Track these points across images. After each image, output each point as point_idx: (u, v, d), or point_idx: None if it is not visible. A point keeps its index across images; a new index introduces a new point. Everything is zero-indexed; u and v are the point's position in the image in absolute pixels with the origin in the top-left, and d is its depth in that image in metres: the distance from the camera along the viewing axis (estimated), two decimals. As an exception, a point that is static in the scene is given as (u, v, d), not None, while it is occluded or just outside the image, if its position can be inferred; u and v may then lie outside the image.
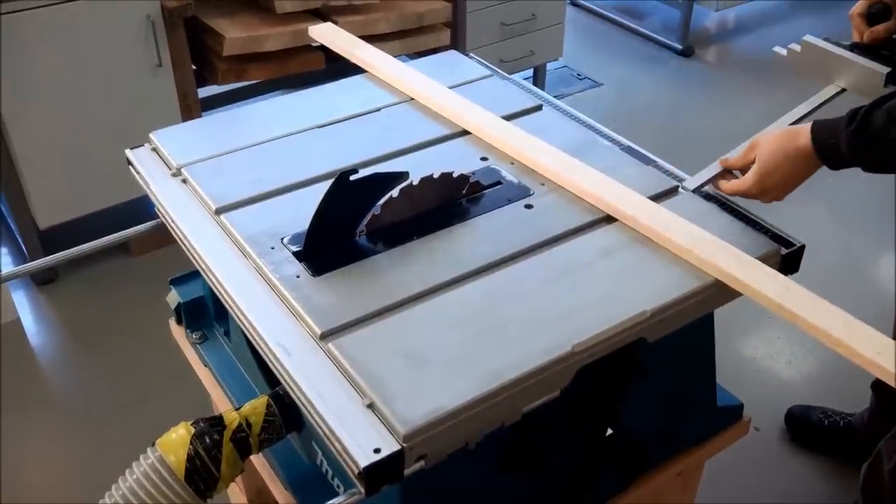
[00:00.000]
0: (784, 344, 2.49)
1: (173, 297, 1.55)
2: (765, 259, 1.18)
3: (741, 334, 2.53)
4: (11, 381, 2.36)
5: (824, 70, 1.46)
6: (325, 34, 1.84)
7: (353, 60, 1.73)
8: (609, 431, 1.26)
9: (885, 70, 1.39)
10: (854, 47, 1.46)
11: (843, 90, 1.44)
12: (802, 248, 1.24)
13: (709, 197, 1.34)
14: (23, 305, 2.65)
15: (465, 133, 1.49)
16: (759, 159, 1.28)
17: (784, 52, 1.51)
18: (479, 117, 1.49)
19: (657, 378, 1.22)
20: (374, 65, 1.68)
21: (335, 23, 2.68)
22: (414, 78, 1.61)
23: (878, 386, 1.98)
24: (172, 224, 1.30)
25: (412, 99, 1.59)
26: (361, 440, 0.92)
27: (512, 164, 1.41)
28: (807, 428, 2.19)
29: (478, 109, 1.50)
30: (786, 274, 1.21)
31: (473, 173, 1.35)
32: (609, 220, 1.27)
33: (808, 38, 1.48)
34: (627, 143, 1.49)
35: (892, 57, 1.43)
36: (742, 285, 1.13)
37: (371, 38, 2.56)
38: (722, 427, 1.45)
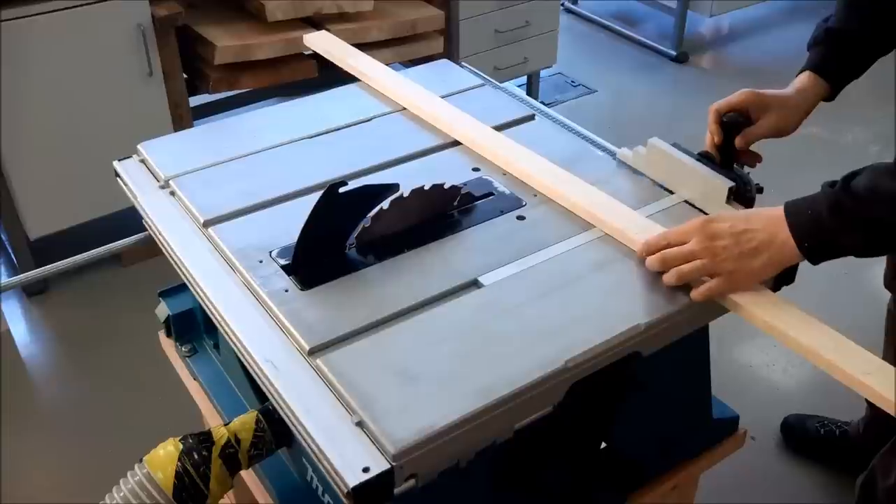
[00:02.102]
0: (780, 352, 2.48)
1: (162, 310, 1.53)
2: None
3: (737, 343, 2.52)
4: (2, 391, 2.34)
5: (669, 176, 1.35)
6: (319, 42, 1.83)
7: (347, 69, 1.72)
8: (603, 446, 1.25)
9: (729, 184, 1.27)
10: (701, 157, 1.35)
11: (686, 201, 1.33)
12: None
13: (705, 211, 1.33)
14: (13, 316, 2.63)
15: (457, 143, 1.48)
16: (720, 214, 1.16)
17: (630, 153, 1.41)
18: (471, 128, 1.47)
19: (652, 392, 1.21)
20: (368, 74, 1.66)
21: (327, 31, 2.67)
22: (407, 87, 1.60)
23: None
24: (160, 237, 1.29)
25: (405, 108, 1.58)
26: (350, 459, 0.91)
27: (504, 174, 1.39)
28: (803, 437, 2.18)
29: (469, 120, 1.49)
30: (782, 285, 1.20)
31: (465, 184, 1.33)
32: (601, 232, 1.26)
33: (654, 140, 1.36)
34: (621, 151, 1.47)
35: (738, 173, 1.33)
36: (731, 303, 1.12)
37: (364, 46, 2.55)
38: (718, 440, 1.43)
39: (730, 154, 1.35)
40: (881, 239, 1.06)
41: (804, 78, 1.39)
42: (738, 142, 1.35)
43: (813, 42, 1.41)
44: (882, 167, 1.06)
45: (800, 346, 1.05)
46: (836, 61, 1.38)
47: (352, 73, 1.71)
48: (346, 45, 1.79)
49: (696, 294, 1.12)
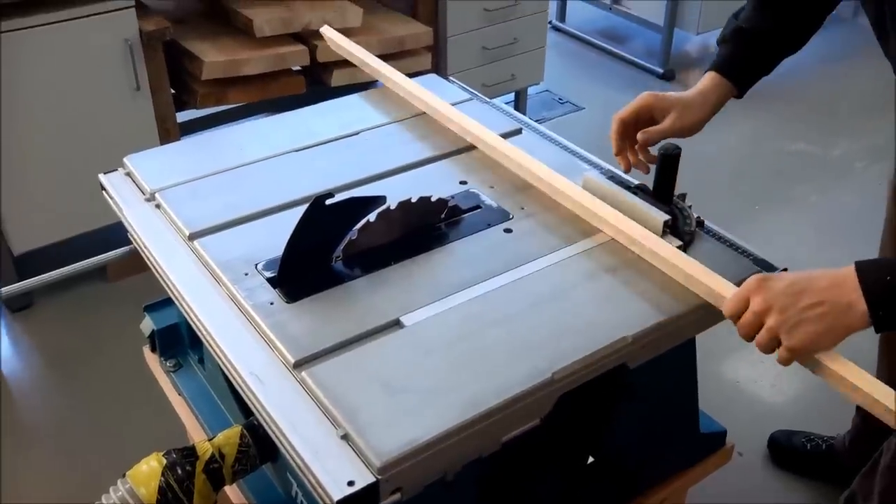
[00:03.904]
0: (767, 368, 2.48)
1: (147, 325, 1.52)
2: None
3: (724, 358, 2.51)
4: (-15, 409, 2.32)
5: (616, 205, 1.30)
6: (341, 44, 1.84)
7: (364, 69, 1.75)
8: (591, 459, 1.24)
9: (665, 217, 1.24)
10: (638, 189, 1.34)
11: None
12: (784, 271, 1.23)
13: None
14: (-2, 332, 2.61)
15: (445, 156, 1.48)
16: (781, 279, 1.04)
17: (595, 177, 1.37)
18: (488, 134, 1.49)
19: (639, 405, 1.20)
20: (392, 78, 1.68)
21: (315, 47, 2.68)
22: (426, 93, 1.61)
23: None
24: (145, 250, 1.28)
25: (408, 118, 1.58)
26: (335, 472, 0.90)
27: (491, 187, 1.39)
28: (790, 452, 2.17)
29: (482, 127, 1.50)
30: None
31: (452, 197, 1.33)
32: (590, 244, 1.26)
33: (589, 174, 1.35)
34: (608, 166, 1.48)
35: (678, 206, 1.31)
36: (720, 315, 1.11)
37: (351, 62, 2.55)
38: (705, 454, 1.43)
39: (668, 187, 1.32)
40: None
41: (708, 79, 1.41)
42: (639, 137, 1.37)
43: (721, 39, 1.42)
44: None
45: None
46: (742, 61, 1.39)
47: (376, 76, 1.73)
48: (364, 51, 1.81)
49: (780, 360, 1.03)
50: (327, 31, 1.86)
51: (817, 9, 1.40)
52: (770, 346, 1.03)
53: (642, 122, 1.39)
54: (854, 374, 1.00)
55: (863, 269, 1.00)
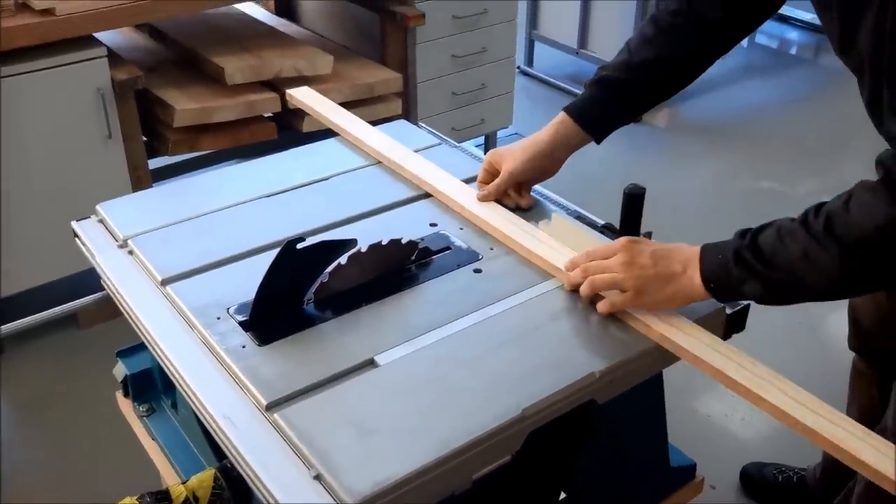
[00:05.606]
0: (738, 401, 2.49)
1: (120, 370, 1.52)
2: (711, 318, 1.20)
3: (695, 392, 2.54)
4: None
5: (575, 247, 1.31)
6: (304, 97, 1.87)
7: (327, 123, 1.77)
8: (562, 495, 1.25)
9: None
10: (605, 228, 1.40)
11: None
12: (747, 307, 1.26)
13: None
14: (-33, 381, 2.59)
15: (415, 199, 1.50)
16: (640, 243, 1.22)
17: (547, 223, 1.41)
18: (447, 181, 1.52)
19: (609, 439, 1.22)
20: (346, 127, 1.71)
21: (285, 94, 2.71)
22: (383, 141, 1.64)
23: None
24: (118, 296, 1.29)
25: (378, 163, 1.61)
26: (309, 512, 0.91)
27: (461, 229, 1.42)
28: (762, 484, 2.19)
29: (444, 173, 1.54)
30: (732, 333, 1.23)
31: (422, 239, 1.35)
32: (557, 283, 1.28)
33: (556, 214, 1.39)
34: (575, 207, 1.51)
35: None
36: (683, 352, 1.14)
37: (322, 108, 2.58)
38: (675, 487, 1.45)
39: (634, 226, 1.35)
40: (778, 294, 1.12)
41: (558, 118, 1.44)
42: (477, 197, 1.44)
43: (587, 82, 1.45)
44: (786, 227, 1.10)
45: (749, 394, 1.08)
46: (594, 108, 1.43)
47: (331, 127, 1.75)
48: (327, 100, 1.85)
49: (599, 306, 1.19)
50: (296, 94, 1.89)
51: (690, 67, 1.47)
52: (605, 286, 1.18)
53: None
54: (667, 328, 1.14)
55: (705, 247, 1.16)
